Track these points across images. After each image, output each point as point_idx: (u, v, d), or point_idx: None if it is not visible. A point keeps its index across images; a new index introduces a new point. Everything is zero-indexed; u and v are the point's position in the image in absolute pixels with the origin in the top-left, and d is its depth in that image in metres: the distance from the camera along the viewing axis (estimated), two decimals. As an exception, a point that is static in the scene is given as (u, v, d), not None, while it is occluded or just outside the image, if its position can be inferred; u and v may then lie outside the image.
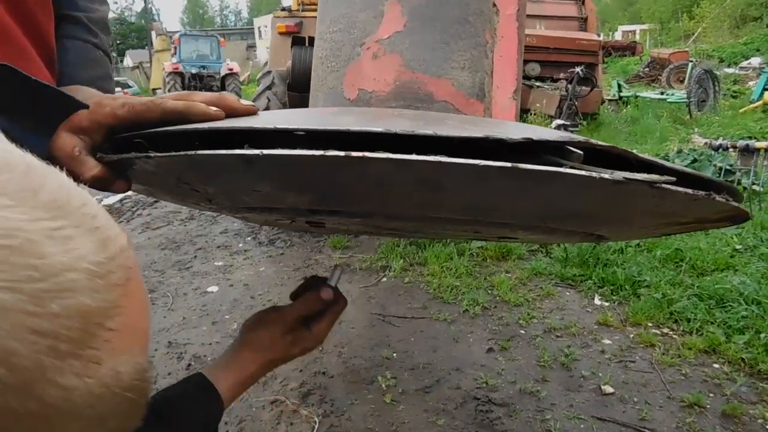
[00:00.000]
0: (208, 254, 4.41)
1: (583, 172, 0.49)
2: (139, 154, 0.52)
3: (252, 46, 43.46)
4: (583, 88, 8.52)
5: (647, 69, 19.70)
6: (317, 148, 0.45)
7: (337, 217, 0.75)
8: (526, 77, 9.34)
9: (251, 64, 31.25)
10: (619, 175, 0.50)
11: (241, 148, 0.48)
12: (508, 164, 0.46)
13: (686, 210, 0.70)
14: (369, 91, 0.83)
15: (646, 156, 0.55)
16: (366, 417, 2.39)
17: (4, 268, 0.25)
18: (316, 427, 2.33)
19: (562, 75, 8.89)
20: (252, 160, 0.49)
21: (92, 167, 0.60)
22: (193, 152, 0.49)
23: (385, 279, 3.88)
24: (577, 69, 8.25)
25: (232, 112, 0.62)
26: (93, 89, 0.72)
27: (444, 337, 3.06)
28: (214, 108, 0.61)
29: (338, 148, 0.45)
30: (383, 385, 2.59)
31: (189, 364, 2.80)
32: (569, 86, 8.34)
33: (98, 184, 0.61)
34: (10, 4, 0.64)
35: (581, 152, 0.50)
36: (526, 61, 9.28)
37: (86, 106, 0.61)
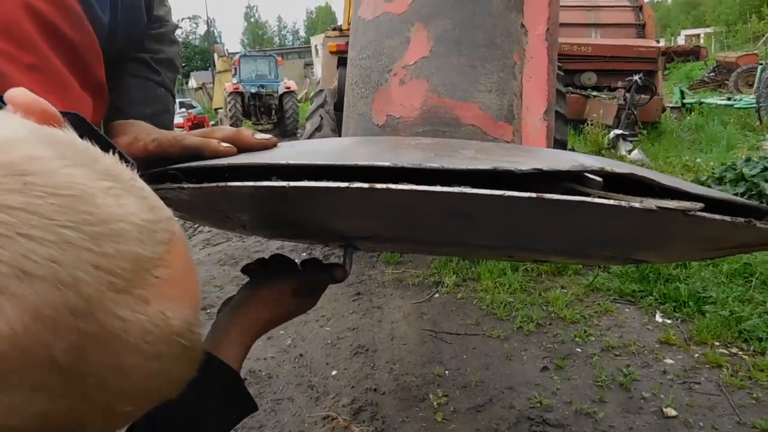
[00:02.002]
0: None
1: (610, 202, 0.47)
2: (173, 185, 0.55)
3: (309, 64, 44.35)
4: (642, 96, 8.25)
5: (713, 74, 18.90)
6: (343, 180, 0.46)
7: (368, 242, 0.76)
8: (582, 87, 9.15)
9: (308, 82, 31.93)
10: (651, 203, 0.48)
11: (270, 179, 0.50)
12: (533, 195, 0.46)
13: (726, 235, 0.67)
14: (396, 117, 0.83)
15: (670, 181, 0.53)
16: (417, 435, 2.38)
17: (68, 211, 0.30)
18: (367, 444, 2.33)
19: (619, 84, 8.66)
20: (280, 192, 0.51)
21: None
22: (223, 184, 0.52)
23: (437, 294, 3.86)
24: (636, 77, 8.00)
25: (247, 147, 0.68)
26: (148, 123, 0.78)
27: (497, 355, 3.00)
28: (225, 145, 0.67)
29: (365, 180, 0.46)
30: (434, 403, 2.57)
31: (244, 378, 2.86)
32: (627, 95, 8.09)
33: None
34: (64, 51, 0.70)
35: (600, 179, 0.49)
36: (581, 71, 9.12)
37: (129, 161, 0.67)
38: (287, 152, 0.62)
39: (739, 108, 10.45)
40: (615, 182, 0.50)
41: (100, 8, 0.70)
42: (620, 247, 0.72)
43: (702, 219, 0.51)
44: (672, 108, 11.63)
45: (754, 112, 9.79)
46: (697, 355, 2.89)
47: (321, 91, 4.69)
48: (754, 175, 5.40)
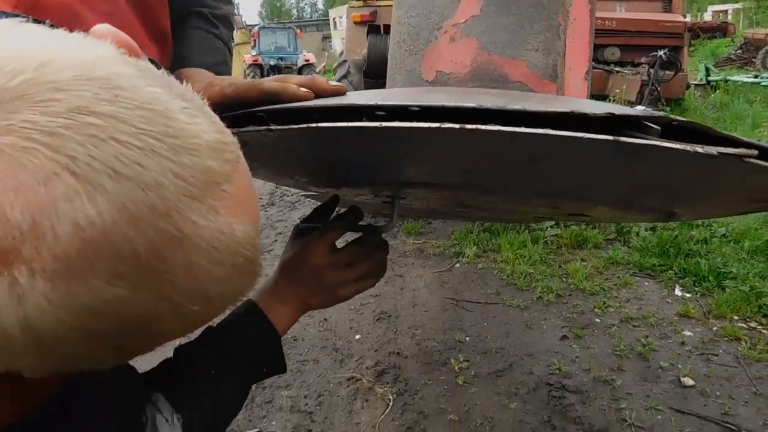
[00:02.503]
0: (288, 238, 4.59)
1: (679, 146, 0.51)
2: (260, 128, 0.59)
3: (327, 37, 43.99)
4: (667, 72, 8.11)
5: (740, 51, 18.45)
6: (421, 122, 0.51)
7: (428, 190, 0.80)
8: (605, 62, 9.00)
9: (327, 55, 31.73)
10: (713, 149, 0.52)
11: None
12: (610, 137, 0.49)
13: None
14: (447, 73, 0.88)
15: (725, 132, 0.56)
16: (438, 397, 2.45)
17: (151, 123, 0.33)
18: (391, 404, 2.41)
19: (643, 59, 8.50)
20: (367, 132, 0.55)
21: None
22: (315, 125, 0.55)
23: (458, 265, 3.91)
24: (660, 52, 7.86)
25: (321, 92, 0.71)
26: (209, 72, 0.82)
27: (517, 323, 3.06)
28: (304, 89, 0.70)
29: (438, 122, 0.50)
30: (456, 368, 2.64)
31: (270, 341, 2.96)
32: (651, 71, 7.97)
33: None
34: (134, 1, 0.74)
35: (659, 127, 0.52)
36: (605, 45, 8.95)
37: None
38: (363, 96, 0.66)
39: (766, 86, 10.25)
40: (670, 132, 0.54)
41: None
42: (666, 196, 0.76)
43: (756, 166, 0.55)
44: (696, 85, 11.43)
45: (781, 91, 9.61)
46: (715, 328, 2.93)
47: (344, 61, 4.71)
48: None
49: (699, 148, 0.51)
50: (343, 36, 5.17)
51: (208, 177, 0.36)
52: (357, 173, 0.75)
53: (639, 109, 0.55)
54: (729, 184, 0.69)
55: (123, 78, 0.34)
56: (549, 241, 4.16)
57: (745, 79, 11.17)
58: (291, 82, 0.72)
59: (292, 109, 0.61)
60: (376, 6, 4.57)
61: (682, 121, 0.53)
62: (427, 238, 4.46)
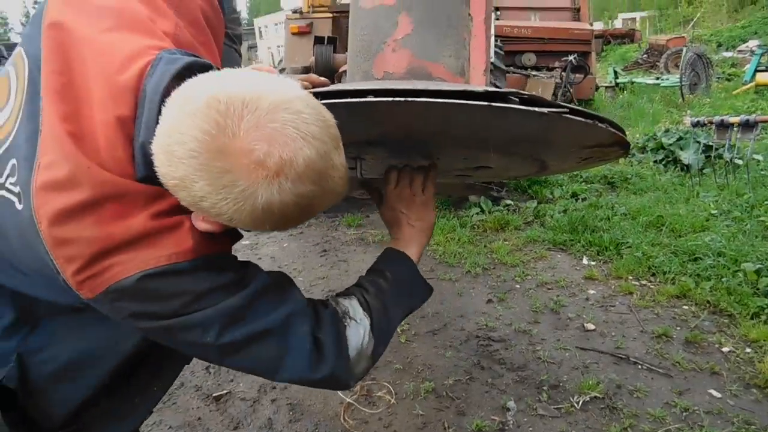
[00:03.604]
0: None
1: (526, 108, 0.91)
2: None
3: (253, 47, 43.83)
4: (577, 75, 8.90)
5: (646, 56, 19.96)
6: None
7: (383, 149, 1.20)
8: (522, 67, 9.74)
9: (253, 65, 31.73)
10: (545, 109, 0.93)
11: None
12: (486, 103, 0.90)
13: (585, 135, 1.15)
14: (391, 73, 1.30)
15: (565, 104, 0.99)
16: (386, 353, 2.83)
17: (320, 116, 0.75)
18: (344, 361, 2.78)
19: (556, 64, 9.27)
20: (350, 106, 0.93)
21: None
22: (365, 99, 0.92)
23: (396, 249, 4.33)
24: (570, 57, 8.64)
25: (316, 84, 1.13)
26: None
27: (449, 293, 3.51)
28: (306, 83, 1.14)
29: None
30: (399, 330, 3.04)
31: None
32: (563, 74, 8.72)
33: None
34: (212, 32, 1.09)
35: (518, 99, 0.93)
36: (522, 52, 9.68)
37: None
38: (342, 86, 1.05)
39: (665, 87, 11.34)
40: (525, 102, 0.95)
41: (225, 5, 1.11)
42: (530, 146, 1.19)
43: (569, 120, 0.96)
44: (607, 87, 12.45)
45: (678, 91, 10.66)
46: (614, 286, 3.48)
47: (283, 69, 5.06)
48: (670, 144, 6.10)
49: (536, 109, 0.93)
50: (269, 45, 5.51)
51: (337, 139, 0.78)
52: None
53: (505, 89, 0.96)
54: (562, 135, 1.12)
55: (306, 99, 0.75)
56: (476, 225, 4.65)
57: (648, 81, 12.28)
58: (296, 79, 1.12)
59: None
60: (312, 18, 4.97)
61: (532, 95, 0.95)
62: (366, 229, 4.86)
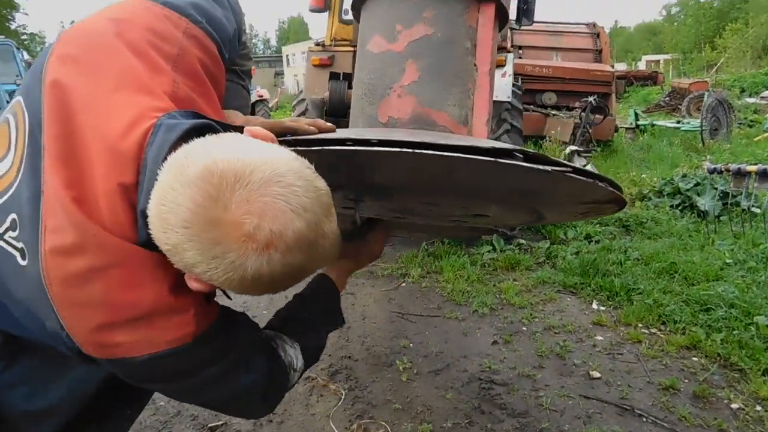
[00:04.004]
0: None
1: (530, 165, 0.93)
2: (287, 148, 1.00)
3: (280, 74, 44.57)
4: (597, 116, 8.91)
5: (668, 98, 19.93)
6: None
7: (381, 196, 1.22)
8: (543, 106, 9.80)
9: (279, 91, 32.21)
10: (548, 167, 0.95)
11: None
12: (492, 159, 0.91)
13: (584, 192, 1.15)
14: (395, 118, 1.32)
15: (560, 160, 1.00)
16: (385, 391, 2.82)
17: (312, 188, 0.78)
18: (343, 398, 2.76)
19: (577, 104, 9.31)
20: (345, 154, 0.94)
21: None
22: (317, 148, 0.95)
23: (404, 284, 4.32)
24: (590, 98, 8.66)
25: (322, 130, 1.16)
26: (239, 113, 1.22)
27: (455, 332, 3.48)
28: (312, 128, 1.15)
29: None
30: (401, 368, 3.02)
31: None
32: (582, 114, 8.74)
33: None
34: (211, 81, 1.11)
35: (522, 155, 0.95)
36: (542, 91, 9.76)
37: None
38: (345, 133, 1.07)
39: (685, 130, 11.27)
40: (532, 159, 0.96)
41: (227, 51, 1.12)
42: (531, 199, 1.20)
43: (571, 178, 0.98)
44: (627, 129, 12.42)
45: (698, 135, 10.60)
46: (622, 333, 3.41)
47: (303, 100, 5.14)
48: (687, 189, 6.05)
49: (541, 167, 0.94)
50: (296, 73, 5.62)
51: (328, 207, 0.80)
52: (342, 180, 1.16)
53: (510, 146, 0.97)
54: (562, 191, 1.13)
55: (299, 171, 0.78)
56: (486, 264, 4.63)
57: (668, 124, 12.21)
58: (302, 122, 1.16)
59: (306, 139, 1.02)
60: (334, 51, 5.06)
61: (536, 153, 0.96)
62: (375, 262, 4.86)
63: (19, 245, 0.83)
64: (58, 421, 0.97)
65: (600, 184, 1.07)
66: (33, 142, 0.85)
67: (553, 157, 1.01)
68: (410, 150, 0.90)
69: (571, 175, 0.99)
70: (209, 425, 2.54)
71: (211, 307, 0.93)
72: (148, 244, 0.80)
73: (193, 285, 0.82)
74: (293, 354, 1.11)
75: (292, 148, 1.01)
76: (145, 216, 0.78)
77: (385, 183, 1.21)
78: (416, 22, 1.35)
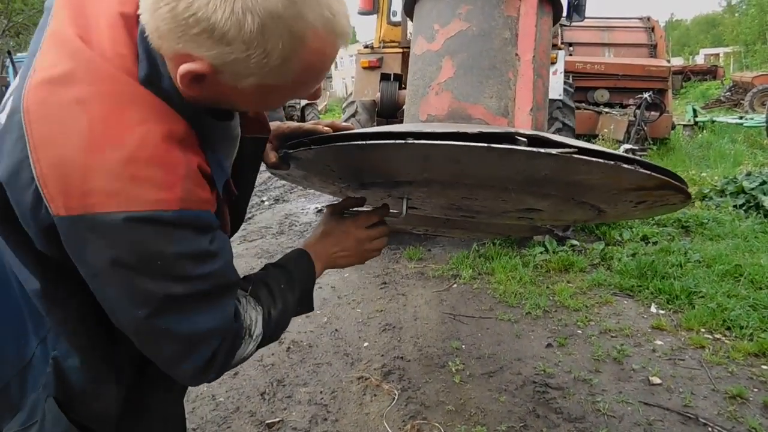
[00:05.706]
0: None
1: (530, 148, 0.84)
2: (301, 148, 1.02)
3: (328, 77, 45.21)
4: (652, 113, 8.63)
5: (729, 93, 19.15)
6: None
7: (426, 189, 1.21)
8: (594, 104, 9.55)
9: (328, 94, 32.63)
10: (553, 150, 0.87)
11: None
12: (485, 144, 0.87)
13: (619, 177, 1.02)
14: (433, 115, 1.33)
15: (574, 142, 0.92)
16: (438, 393, 2.81)
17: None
18: (396, 398, 2.77)
19: (631, 101, 9.04)
20: (402, 147, 0.93)
21: (273, 157, 1.21)
22: (329, 144, 0.96)
23: (455, 285, 4.29)
24: (645, 95, 8.40)
25: (338, 129, 1.18)
26: (278, 122, 1.27)
27: (508, 334, 3.43)
28: (327, 128, 1.18)
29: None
30: (453, 369, 3.00)
31: (288, 347, 3.31)
32: (637, 112, 8.48)
33: (275, 166, 1.22)
34: None
35: (526, 139, 0.86)
36: (594, 88, 9.51)
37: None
38: (382, 128, 1.07)
39: (748, 127, 10.77)
40: (539, 143, 0.88)
41: None
42: (560, 187, 1.10)
43: (578, 159, 0.88)
44: (685, 126, 11.97)
45: (764, 131, 10.12)
46: (684, 338, 3.29)
47: (353, 102, 5.18)
48: (753, 188, 5.78)
49: (543, 150, 0.85)
50: (344, 76, 5.67)
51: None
52: (370, 177, 1.17)
53: (516, 129, 0.90)
54: (589, 177, 1.01)
55: None
56: (539, 265, 4.55)
57: (730, 120, 11.70)
58: (321, 124, 1.20)
59: (322, 138, 1.05)
60: (383, 53, 5.09)
61: (538, 134, 0.86)
62: (426, 263, 4.85)
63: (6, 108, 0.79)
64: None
65: (626, 166, 0.92)
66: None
67: (557, 138, 0.90)
68: (401, 141, 0.87)
69: (582, 156, 0.88)
70: (267, 421, 2.59)
71: (208, 192, 0.81)
72: (149, 80, 0.77)
73: (184, 68, 0.74)
74: (254, 317, 0.97)
75: (307, 148, 1.04)
76: (145, 44, 0.76)
77: (408, 178, 1.17)
78: (452, 19, 1.35)
